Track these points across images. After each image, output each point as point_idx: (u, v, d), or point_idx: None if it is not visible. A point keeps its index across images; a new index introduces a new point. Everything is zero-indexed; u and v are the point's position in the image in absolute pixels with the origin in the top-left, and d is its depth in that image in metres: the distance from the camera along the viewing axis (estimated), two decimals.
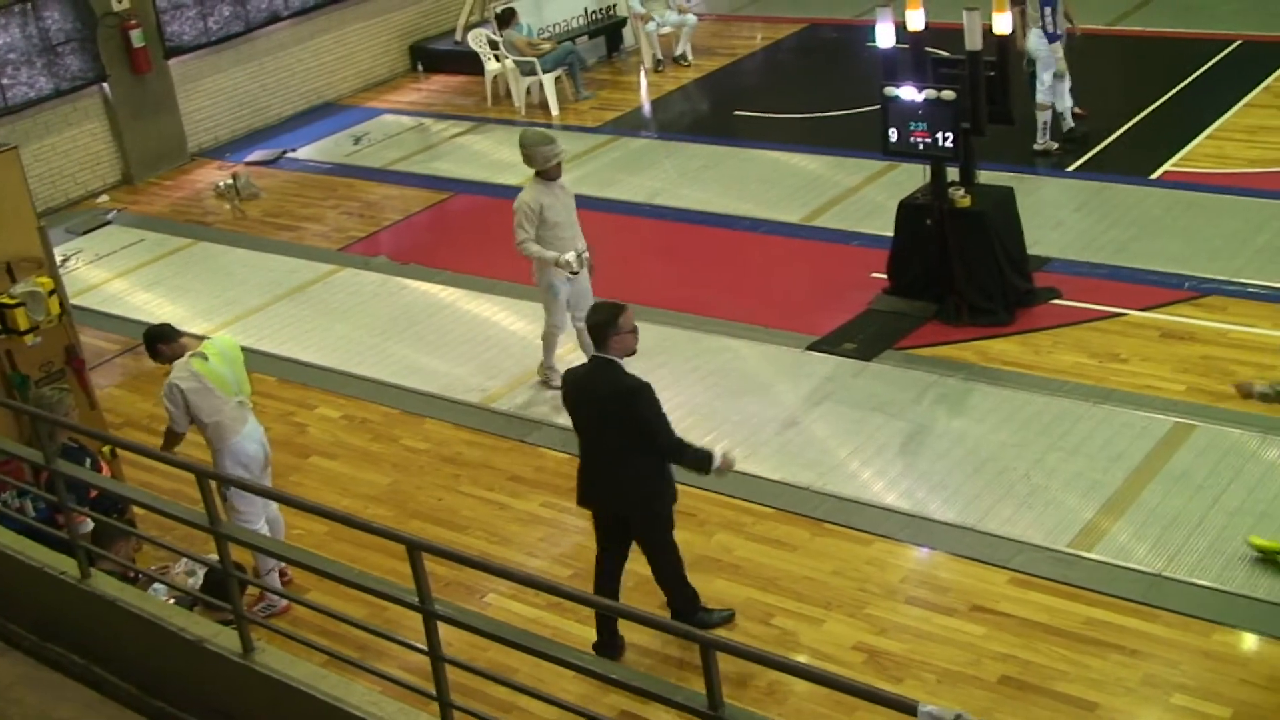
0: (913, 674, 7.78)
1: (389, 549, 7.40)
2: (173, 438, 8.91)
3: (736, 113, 17.27)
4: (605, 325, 7.75)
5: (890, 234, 11.78)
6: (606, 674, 5.12)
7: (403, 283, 13.62)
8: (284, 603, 8.89)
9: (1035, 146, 14.26)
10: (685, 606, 8.14)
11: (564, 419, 10.67)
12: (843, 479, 9.62)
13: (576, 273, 10.72)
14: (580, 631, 8.31)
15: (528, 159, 10.65)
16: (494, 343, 12.09)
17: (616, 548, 8.18)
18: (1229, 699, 7.33)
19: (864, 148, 13.62)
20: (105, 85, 17.24)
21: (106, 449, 9.46)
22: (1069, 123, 14.37)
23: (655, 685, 4.95)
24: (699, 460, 7.85)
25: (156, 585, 8.25)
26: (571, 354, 11.12)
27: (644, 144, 16.69)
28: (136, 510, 9.03)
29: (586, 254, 10.80)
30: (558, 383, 11.08)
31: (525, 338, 11.95)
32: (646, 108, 18.15)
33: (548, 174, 10.60)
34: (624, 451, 7.78)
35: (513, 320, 12.40)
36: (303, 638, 7.03)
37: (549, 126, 17.57)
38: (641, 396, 7.67)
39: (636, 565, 8.97)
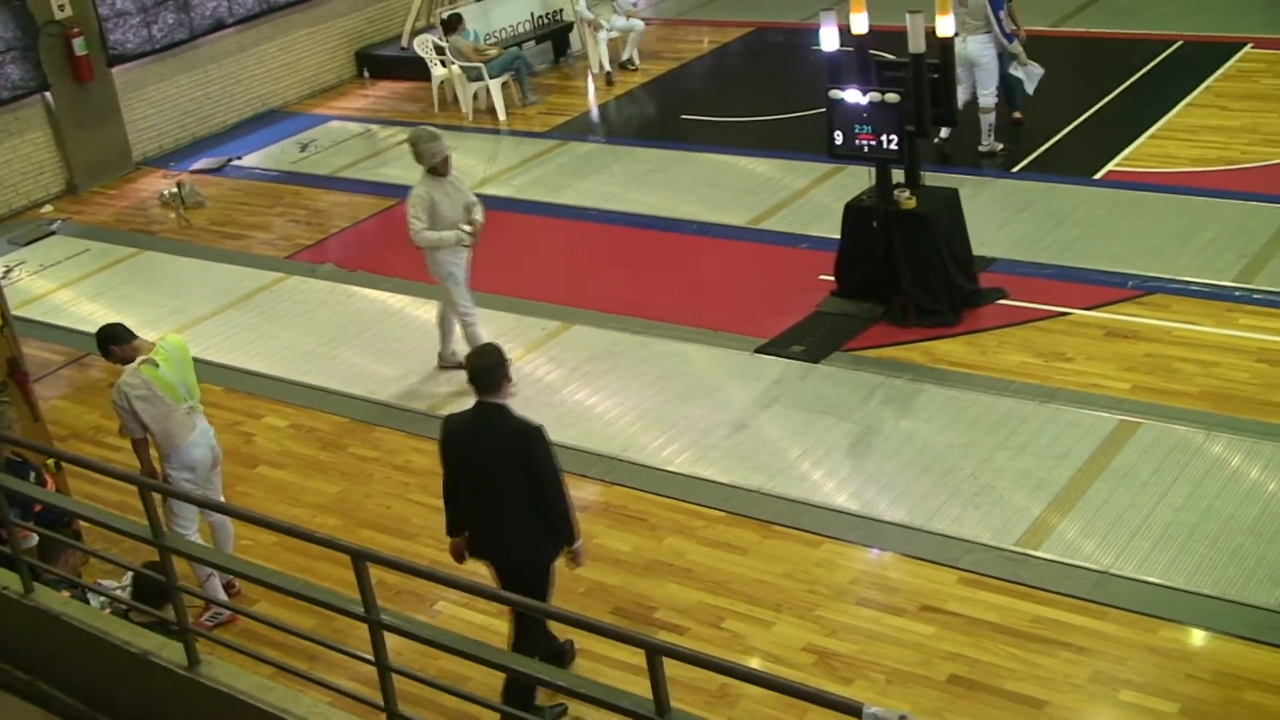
0: (863, 675, 7.81)
1: (339, 558, 7.38)
2: (138, 445, 8.83)
3: (684, 117, 17.29)
4: (497, 367, 7.29)
5: (837, 236, 11.82)
6: (554, 680, 5.12)
7: (350, 290, 13.56)
8: (228, 611, 8.83)
9: (980, 148, 14.35)
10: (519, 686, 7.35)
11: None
12: (792, 481, 9.64)
13: (469, 244, 11.03)
14: None
15: (416, 156, 10.88)
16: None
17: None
18: (1176, 694, 7.39)
19: (811, 150, 13.67)
20: (47, 94, 17.09)
21: (51, 461, 9.37)
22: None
23: (601, 691, 4.95)
24: (571, 527, 7.43)
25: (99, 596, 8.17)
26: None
27: (592, 149, 16.69)
28: (82, 523, 8.94)
29: (476, 218, 11.06)
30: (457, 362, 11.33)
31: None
32: (594, 112, 18.15)
33: (437, 170, 10.85)
34: (516, 500, 7.29)
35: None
36: (249, 650, 6.98)
37: (496, 132, 17.59)
38: (539, 438, 7.27)
39: (586, 571, 8.98)
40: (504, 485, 7.29)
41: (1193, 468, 9.13)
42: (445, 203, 10.87)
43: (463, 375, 11.35)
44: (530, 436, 7.27)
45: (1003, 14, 13.97)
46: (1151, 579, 8.23)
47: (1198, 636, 7.84)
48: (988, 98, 14.16)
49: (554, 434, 10.32)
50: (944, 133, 14.22)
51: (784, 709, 7.46)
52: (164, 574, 6.61)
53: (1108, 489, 9.05)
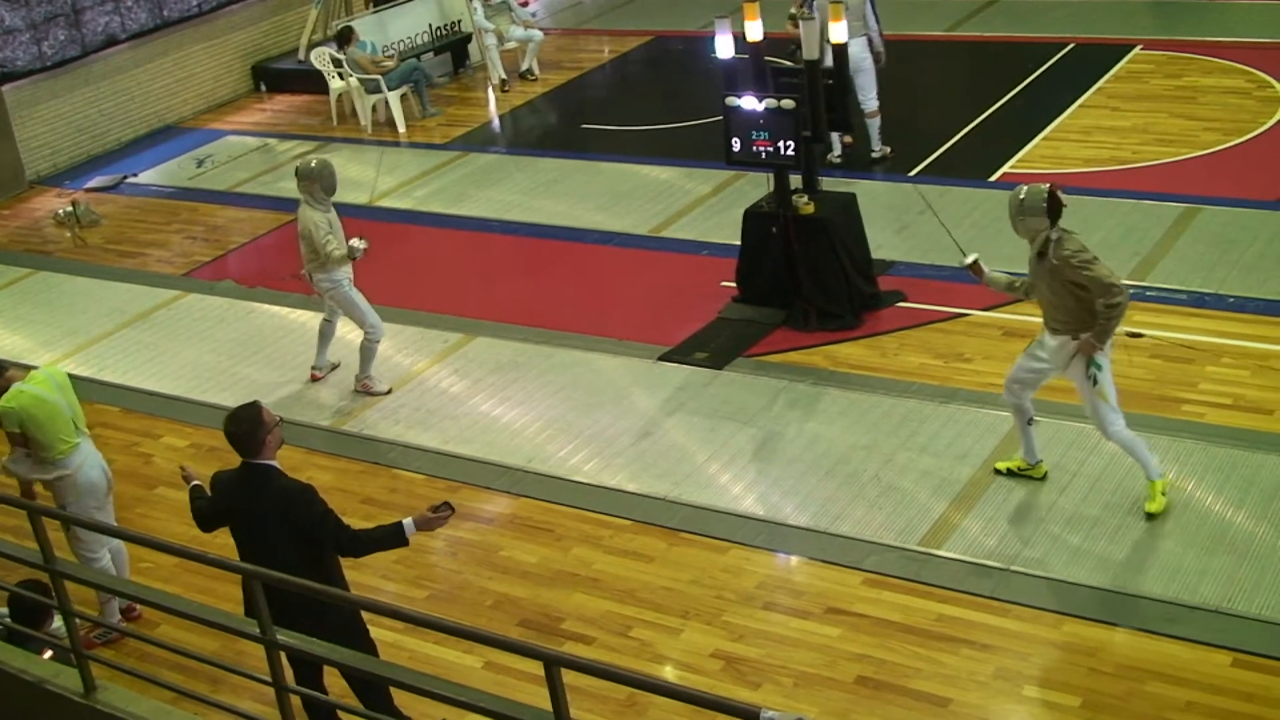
0: (770, 679, 7.83)
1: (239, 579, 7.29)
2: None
3: (585, 126, 17.32)
4: (254, 431, 6.87)
5: (738, 243, 11.87)
6: (455, 696, 5.07)
7: (250, 306, 13.41)
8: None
9: (873, 154, 14.44)
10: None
11: (416, 436, 10.70)
12: (697, 488, 9.65)
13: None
14: (439, 653, 8.25)
15: (325, 189, 10.91)
16: (345, 364, 11.90)
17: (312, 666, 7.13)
18: (1078, 688, 7.48)
19: (710, 158, 13.71)
20: None
21: None
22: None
23: (499, 704, 4.92)
24: (392, 536, 6.98)
25: None
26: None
27: (493, 159, 16.63)
28: None
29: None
30: (382, 388, 11.40)
31: (377, 358, 11.79)
32: (495, 123, 18.10)
33: (327, 195, 11.00)
34: (290, 563, 6.61)
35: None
36: (148, 674, 6.87)
37: (396, 144, 17.48)
38: (302, 501, 6.86)
39: (494, 584, 8.96)
40: (275, 549, 6.78)
41: (1090, 464, 9.25)
42: (336, 226, 11.01)
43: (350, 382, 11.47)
44: (297, 498, 6.89)
45: (876, 16, 14.00)
46: (1053, 575, 8.33)
47: (1099, 630, 7.92)
48: (869, 102, 14.16)
49: (459, 446, 10.48)
50: (837, 148, 14.30)
51: (690, 716, 7.44)
52: (61, 601, 6.51)
53: (1008, 487, 9.15)
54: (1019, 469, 9.25)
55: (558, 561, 9.10)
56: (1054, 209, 8.32)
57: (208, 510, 7.21)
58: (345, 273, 11.04)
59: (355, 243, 10.80)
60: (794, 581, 8.68)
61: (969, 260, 9.03)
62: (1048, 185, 8.47)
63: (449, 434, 10.73)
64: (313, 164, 10.89)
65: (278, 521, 6.83)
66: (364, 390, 11.41)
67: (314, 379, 11.77)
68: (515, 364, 11.54)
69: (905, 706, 7.52)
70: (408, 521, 6.99)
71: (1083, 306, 8.31)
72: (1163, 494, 8.73)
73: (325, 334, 11.68)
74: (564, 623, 8.52)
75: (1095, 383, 8.48)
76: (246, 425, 6.88)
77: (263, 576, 5.38)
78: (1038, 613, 8.07)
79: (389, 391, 11.39)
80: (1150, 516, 8.68)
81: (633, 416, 10.60)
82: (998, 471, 9.30)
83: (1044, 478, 9.20)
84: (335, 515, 6.92)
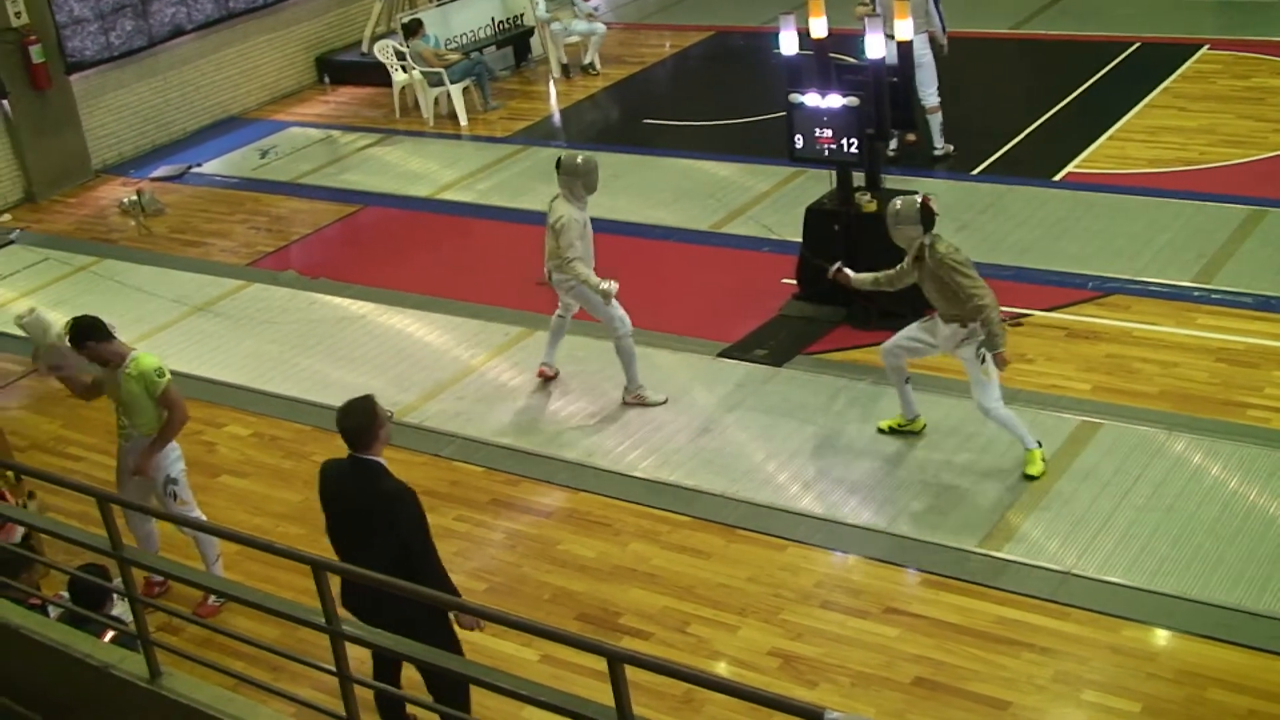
0: (827, 678, 7.82)
1: (302, 568, 7.36)
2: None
3: (646, 121, 17.32)
4: (368, 425, 6.89)
5: (799, 240, 11.85)
6: (514, 689, 5.10)
7: (312, 297, 13.50)
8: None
9: (935, 151, 14.35)
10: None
11: (476, 429, 10.75)
12: (756, 485, 9.65)
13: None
14: (497, 646, 8.27)
15: (586, 185, 10.49)
16: (405, 356, 12.01)
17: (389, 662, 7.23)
18: (1138, 694, 7.43)
19: (772, 154, 13.68)
20: (4, 102, 16.94)
21: (10, 475, 9.27)
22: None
23: (562, 699, 4.94)
24: (447, 593, 6.77)
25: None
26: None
27: (553, 153, 16.46)
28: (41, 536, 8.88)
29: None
30: (658, 398, 10.79)
31: (436, 350, 11.87)
32: (556, 117, 18.14)
33: (586, 193, 10.57)
34: (383, 560, 6.61)
35: (424, 333, 12.32)
36: (211, 661, 6.94)
37: (458, 137, 17.55)
38: (404, 502, 6.86)
39: (552, 578, 8.99)
40: (370, 544, 6.84)
41: (1154, 468, 9.18)
42: (588, 230, 10.58)
43: (426, 384, 11.49)
44: (399, 499, 6.90)
45: (942, 11, 13.90)
46: (1114, 579, 8.27)
47: (1160, 636, 7.88)
48: (930, 97, 14.06)
49: (517, 440, 10.53)
50: (893, 144, 14.21)
51: (748, 714, 7.46)
52: (127, 586, 6.61)
53: (1070, 489, 9.09)
54: (899, 426, 9.92)
55: (615, 556, 9.12)
56: (926, 218, 9.06)
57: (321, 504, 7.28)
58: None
59: (609, 287, 10.35)
60: (852, 580, 8.66)
61: (833, 270, 9.85)
62: (920, 196, 9.17)
63: (508, 427, 10.77)
64: (579, 160, 10.47)
65: (377, 517, 6.85)
66: (637, 402, 10.77)
67: (542, 375, 11.36)
68: (575, 358, 11.56)
69: (963, 709, 7.49)
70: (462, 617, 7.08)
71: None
72: (1042, 460, 9.30)
73: (557, 330, 11.20)
74: (621, 618, 8.54)
75: (984, 360, 9.13)
76: (361, 418, 6.88)
77: (329, 566, 5.43)
78: (1097, 616, 8.02)
79: (664, 401, 10.76)
80: (1029, 478, 9.23)
81: (692, 412, 10.60)
82: (880, 430, 9.95)
83: (921, 431, 9.86)
84: (427, 530, 6.92)
